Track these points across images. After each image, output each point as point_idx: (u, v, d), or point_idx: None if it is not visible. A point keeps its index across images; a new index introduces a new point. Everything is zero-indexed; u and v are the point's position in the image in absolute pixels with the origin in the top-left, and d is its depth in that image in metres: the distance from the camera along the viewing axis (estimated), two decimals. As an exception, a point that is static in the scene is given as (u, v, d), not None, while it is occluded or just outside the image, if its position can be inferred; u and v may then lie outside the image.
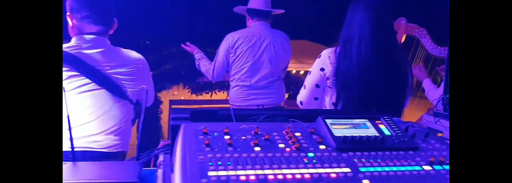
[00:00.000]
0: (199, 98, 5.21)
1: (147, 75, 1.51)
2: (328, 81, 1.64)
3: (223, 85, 5.15)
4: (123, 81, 1.35)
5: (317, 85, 1.68)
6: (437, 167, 0.90)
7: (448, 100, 1.62)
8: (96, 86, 1.30)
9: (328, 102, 1.69)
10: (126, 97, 1.37)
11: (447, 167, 0.90)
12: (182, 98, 5.20)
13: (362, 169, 0.85)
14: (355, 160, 0.89)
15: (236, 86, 2.92)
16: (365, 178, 0.81)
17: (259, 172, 0.79)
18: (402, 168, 0.87)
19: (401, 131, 1.03)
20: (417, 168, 0.88)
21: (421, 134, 1.06)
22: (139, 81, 1.41)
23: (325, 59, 1.63)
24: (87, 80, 1.28)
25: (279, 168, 0.81)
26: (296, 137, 0.96)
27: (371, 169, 0.85)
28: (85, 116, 1.29)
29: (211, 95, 5.12)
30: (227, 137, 0.93)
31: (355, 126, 1.04)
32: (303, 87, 1.74)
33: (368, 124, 1.06)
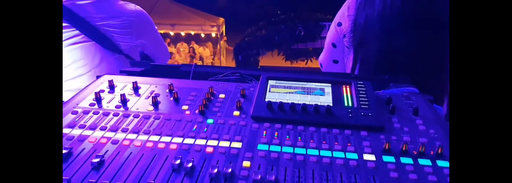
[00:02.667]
0: (294, 65, 5.03)
1: (145, 30, 1.40)
2: (344, 39, 1.25)
3: (321, 52, 4.84)
4: (114, 34, 1.30)
5: (333, 45, 1.30)
6: (387, 159, 0.58)
7: None
8: (86, 38, 1.29)
9: (349, 67, 1.33)
10: (119, 50, 1.34)
11: (424, 161, 0.57)
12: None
13: (261, 147, 0.60)
14: (264, 134, 0.64)
15: None
16: (256, 160, 0.57)
17: (119, 135, 0.63)
18: (325, 153, 0.59)
19: (371, 103, 0.71)
20: (351, 156, 0.59)
21: (409, 110, 0.71)
22: (133, 36, 1.35)
23: (344, 10, 1.24)
24: (77, 32, 1.28)
25: (147, 133, 0.64)
26: (209, 98, 0.75)
27: (276, 148, 0.60)
28: (77, 68, 1.30)
29: (306, 63, 4.89)
30: (143, 92, 0.78)
31: (307, 91, 0.76)
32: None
33: (328, 89, 0.76)
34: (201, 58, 9.56)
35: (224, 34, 10.87)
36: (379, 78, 0.97)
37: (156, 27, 1.54)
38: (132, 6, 1.36)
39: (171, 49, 10.30)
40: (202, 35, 9.99)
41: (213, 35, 9.44)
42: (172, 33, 9.84)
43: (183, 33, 9.78)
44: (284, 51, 4.83)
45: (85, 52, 1.30)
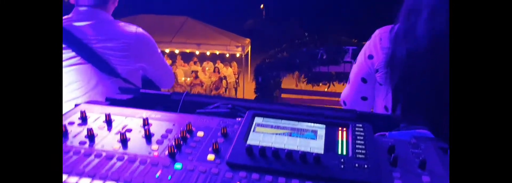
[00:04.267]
0: (315, 88, 4.92)
1: (146, 53, 1.34)
2: (377, 74, 1.10)
3: (344, 76, 4.71)
4: (111, 57, 1.25)
5: (363, 80, 1.16)
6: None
7: None
8: (82, 61, 1.25)
9: (380, 105, 1.15)
10: (116, 74, 1.28)
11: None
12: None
13: (229, 204, 0.50)
14: (237, 186, 0.54)
15: None
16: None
17: (71, 180, 0.55)
18: (304, 217, 0.48)
19: (369, 152, 0.60)
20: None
21: (415, 162, 0.60)
22: (132, 59, 1.29)
23: (375, 42, 1.10)
24: (73, 54, 1.25)
25: (103, 178, 0.55)
26: (185, 137, 0.66)
27: (246, 206, 0.50)
28: (72, 91, 1.26)
29: (328, 86, 4.76)
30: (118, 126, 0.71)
31: (297, 133, 0.66)
32: (347, 82, 1.29)
33: (321, 132, 0.66)
34: (225, 78, 9.60)
35: (249, 54, 10.94)
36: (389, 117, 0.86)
37: (161, 50, 1.49)
38: (132, 28, 1.32)
39: (197, 67, 10.44)
40: (227, 55, 10.07)
41: (238, 55, 9.49)
42: (197, 52, 9.99)
43: (208, 53, 9.90)
44: (305, 74, 4.72)
45: (81, 75, 1.26)
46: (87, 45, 1.24)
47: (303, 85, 4.79)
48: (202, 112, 0.87)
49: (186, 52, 9.86)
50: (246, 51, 9.61)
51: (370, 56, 1.12)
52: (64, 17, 1.25)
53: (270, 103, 0.95)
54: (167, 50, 9.81)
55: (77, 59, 1.24)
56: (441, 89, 0.95)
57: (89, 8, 1.28)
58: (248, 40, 10.76)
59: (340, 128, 0.66)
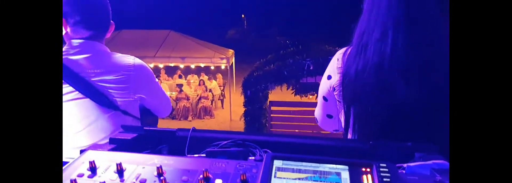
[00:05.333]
0: (304, 99, 4.92)
1: (144, 84, 1.31)
2: (335, 93, 1.12)
3: (332, 86, 4.73)
4: (110, 90, 1.21)
5: (324, 98, 1.19)
6: None
7: None
8: (80, 95, 1.21)
9: (343, 123, 1.16)
10: (115, 107, 1.24)
11: None
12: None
13: None
14: None
15: None
16: None
17: None
18: None
19: (398, 195, 0.58)
20: None
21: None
22: (131, 90, 1.25)
23: (333, 63, 1.12)
24: (71, 88, 1.20)
25: None
26: (204, 187, 0.63)
27: None
28: (70, 126, 1.21)
29: (316, 97, 4.75)
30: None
31: (320, 176, 0.64)
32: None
33: (345, 174, 0.64)
34: (210, 90, 9.55)
35: (233, 65, 10.93)
36: (401, 146, 0.85)
37: (158, 80, 1.46)
38: (130, 60, 1.29)
39: (182, 81, 10.35)
40: (212, 67, 10.04)
41: (223, 67, 9.48)
42: (182, 66, 9.93)
43: (193, 66, 9.85)
44: (293, 86, 4.73)
45: (80, 110, 1.21)
46: (84, 79, 1.20)
47: (292, 97, 4.79)
48: (212, 150, 0.84)
49: (170, 66, 9.79)
50: (231, 62, 9.61)
51: (329, 77, 1.15)
52: (58, 51, 1.21)
53: (279, 135, 0.94)
54: (151, 65, 9.73)
55: (75, 94, 1.20)
56: (394, 104, 0.97)
57: (85, 41, 1.24)
58: (232, 52, 10.77)
59: (363, 169, 0.65)
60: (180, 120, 8.38)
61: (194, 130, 0.93)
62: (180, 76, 10.85)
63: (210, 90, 9.52)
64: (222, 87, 10.34)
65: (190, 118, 8.41)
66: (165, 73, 10.83)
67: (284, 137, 0.90)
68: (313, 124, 4.44)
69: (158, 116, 1.49)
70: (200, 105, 8.63)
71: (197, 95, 8.83)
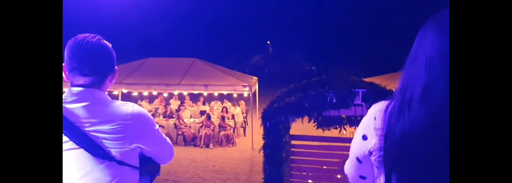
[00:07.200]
0: (326, 133, 4.75)
1: (142, 133, 1.25)
2: (372, 157, 0.99)
3: (355, 120, 4.57)
4: (104, 140, 1.16)
5: (358, 160, 1.06)
6: None
7: None
8: (74, 145, 1.15)
9: None
10: (110, 157, 1.18)
11: None
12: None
13: None
14: None
15: None
16: None
17: None
18: None
19: None
20: None
21: None
22: (128, 140, 1.20)
23: (369, 121, 0.99)
24: (65, 138, 1.15)
25: None
26: None
27: None
28: (70, 175, 1.15)
29: (340, 131, 4.60)
30: None
31: None
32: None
33: None
34: (233, 117, 9.50)
35: (257, 92, 10.90)
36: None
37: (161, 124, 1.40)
38: (129, 108, 1.23)
39: (205, 107, 10.38)
40: (235, 95, 10.05)
41: (245, 95, 9.46)
42: (205, 94, 10.00)
43: (216, 94, 9.90)
44: (315, 118, 4.58)
45: (74, 161, 1.17)
46: (79, 129, 1.16)
47: (314, 130, 4.63)
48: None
49: (194, 93, 9.88)
50: (254, 89, 9.59)
51: (364, 137, 1.01)
52: (57, 101, 1.18)
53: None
54: (175, 92, 9.85)
55: (70, 144, 1.16)
56: (439, 170, 0.84)
57: (84, 89, 1.21)
58: (255, 79, 10.79)
59: None
60: (202, 147, 8.32)
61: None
62: (204, 103, 10.92)
63: (233, 117, 9.47)
64: (244, 114, 10.28)
65: (211, 146, 8.34)
66: (189, 100, 10.94)
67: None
68: (337, 159, 4.25)
69: (159, 163, 1.42)
70: (222, 133, 8.56)
71: (220, 123, 8.79)
